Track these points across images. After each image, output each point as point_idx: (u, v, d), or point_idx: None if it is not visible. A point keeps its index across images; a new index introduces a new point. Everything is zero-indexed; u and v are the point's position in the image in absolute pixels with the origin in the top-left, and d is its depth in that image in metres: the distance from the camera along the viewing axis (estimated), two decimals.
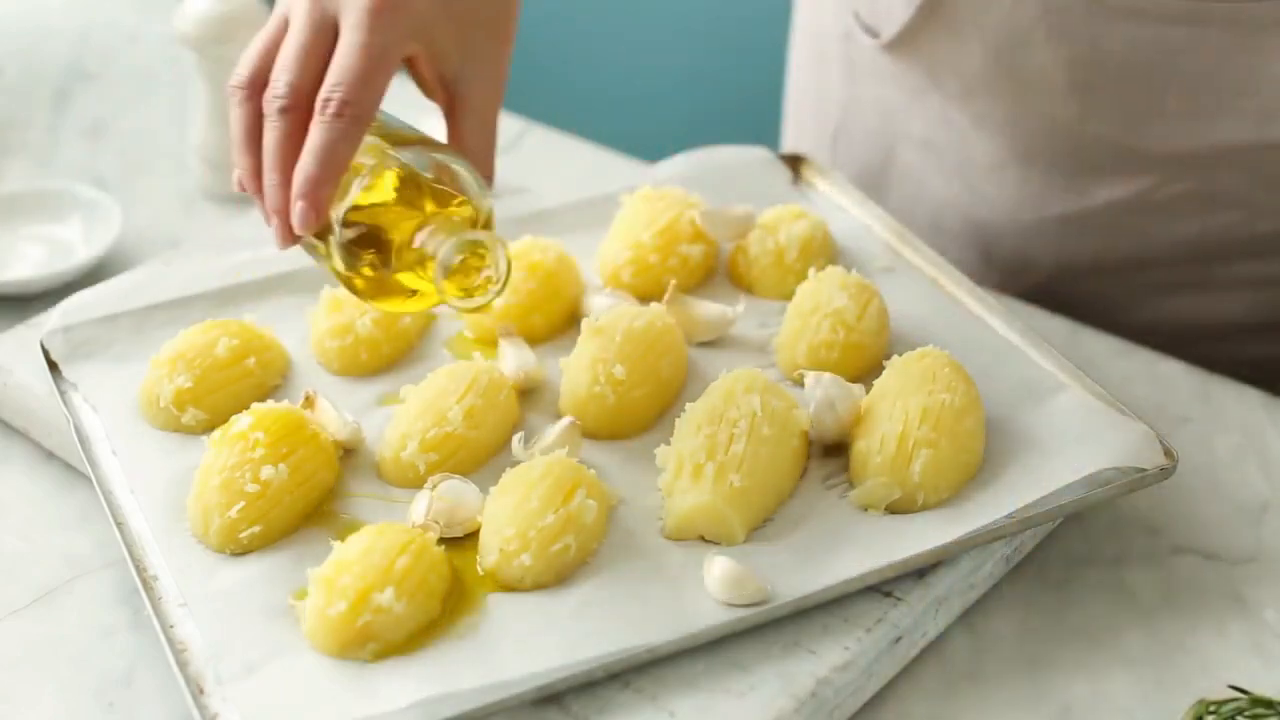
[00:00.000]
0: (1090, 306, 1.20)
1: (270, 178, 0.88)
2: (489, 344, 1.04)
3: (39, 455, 1.03)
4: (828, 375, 0.96)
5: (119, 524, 0.91)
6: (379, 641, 0.83)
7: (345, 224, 0.89)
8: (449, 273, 0.88)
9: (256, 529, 0.89)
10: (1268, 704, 0.83)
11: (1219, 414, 1.06)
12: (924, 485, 0.91)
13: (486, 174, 0.94)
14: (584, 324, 1.00)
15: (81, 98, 1.45)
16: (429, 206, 0.89)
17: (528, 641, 0.83)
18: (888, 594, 0.88)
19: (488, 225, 0.91)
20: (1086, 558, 0.96)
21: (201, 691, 0.82)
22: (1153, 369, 1.10)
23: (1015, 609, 0.93)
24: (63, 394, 1.00)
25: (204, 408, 0.98)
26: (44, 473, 1.02)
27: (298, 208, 0.86)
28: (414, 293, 0.91)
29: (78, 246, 1.22)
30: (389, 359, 1.03)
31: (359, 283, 0.91)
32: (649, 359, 0.98)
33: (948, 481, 0.91)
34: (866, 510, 0.91)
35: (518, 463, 0.93)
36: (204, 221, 1.29)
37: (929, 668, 0.89)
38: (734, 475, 0.89)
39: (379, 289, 0.91)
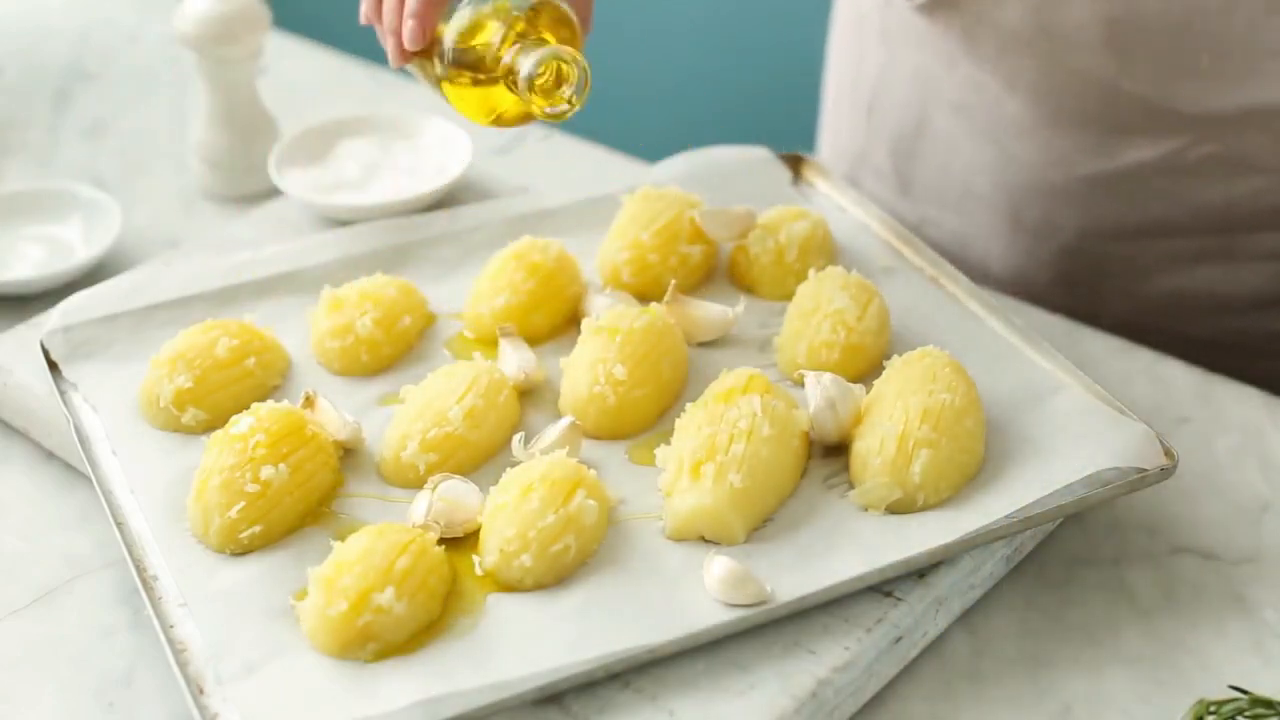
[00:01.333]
0: (1114, 272, 1.21)
1: (388, 4, 1.03)
2: (489, 344, 1.04)
3: (39, 455, 1.03)
4: (828, 375, 0.96)
5: (119, 524, 0.91)
6: (379, 641, 0.83)
7: (451, 46, 1.02)
8: (532, 84, 0.98)
9: (256, 529, 0.89)
10: (1268, 704, 0.83)
11: (1219, 414, 1.06)
12: (924, 485, 0.91)
13: (583, 17, 1.06)
14: (584, 324, 1.00)
15: (81, 98, 1.45)
16: (522, 29, 1.01)
17: (528, 642, 0.83)
18: (888, 594, 0.88)
19: (576, 47, 1.02)
20: (1086, 558, 0.96)
21: (201, 691, 0.82)
22: (1153, 369, 1.10)
23: (1015, 609, 0.93)
24: (63, 394, 1.00)
25: (204, 408, 0.98)
26: (44, 473, 1.02)
27: (408, 26, 1.01)
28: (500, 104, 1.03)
29: (78, 246, 1.22)
30: (389, 359, 1.03)
31: (457, 94, 1.03)
32: (649, 359, 0.98)
33: (948, 482, 0.91)
34: (867, 510, 0.91)
35: (518, 463, 0.93)
36: (204, 221, 1.29)
37: (929, 668, 0.89)
38: (734, 475, 0.89)
39: (475, 102, 1.03)
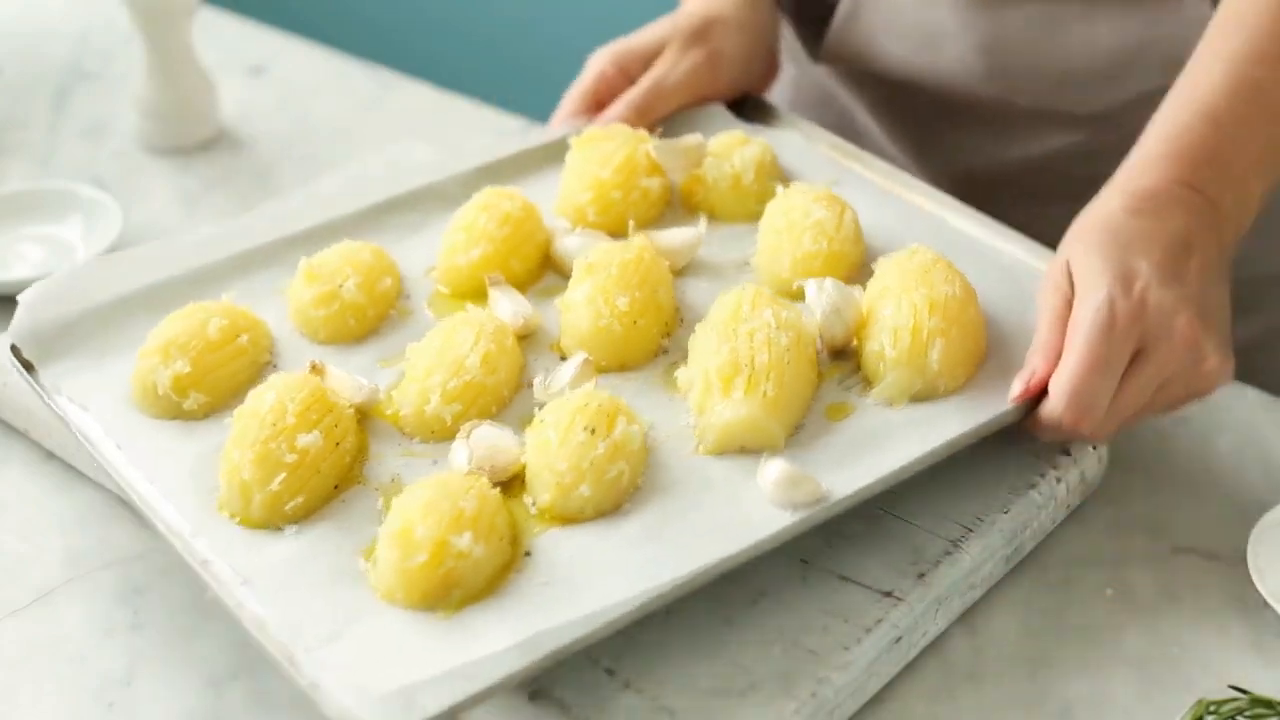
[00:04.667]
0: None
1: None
2: (469, 297, 1.04)
3: (39, 455, 1.03)
4: (829, 281, 0.98)
5: (149, 516, 0.89)
6: (461, 588, 0.83)
7: None
8: None
9: (299, 499, 0.88)
10: (1268, 704, 0.83)
11: (1219, 414, 1.06)
12: (943, 373, 0.93)
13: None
14: (576, 263, 1.01)
15: (81, 98, 1.45)
16: None
17: (606, 571, 0.83)
18: (888, 594, 0.88)
19: None
20: (1086, 558, 0.96)
21: (293, 662, 0.80)
22: None
23: (1015, 609, 0.93)
24: (47, 397, 0.98)
25: (204, 390, 0.96)
26: (44, 473, 1.02)
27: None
28: None
29: (78, 246, 1.22)
30: (374, 323, 1.03)
31: None
32: (646, 288, 0.99)
33: (963, 369, 0.94)
34: (890, 405, 0.93)
35: (540, 404, 0.93)
36: (204, 221, 1.29)
37: (929, 668, 0.89)
38: (765, 385, 0.91)
39: None
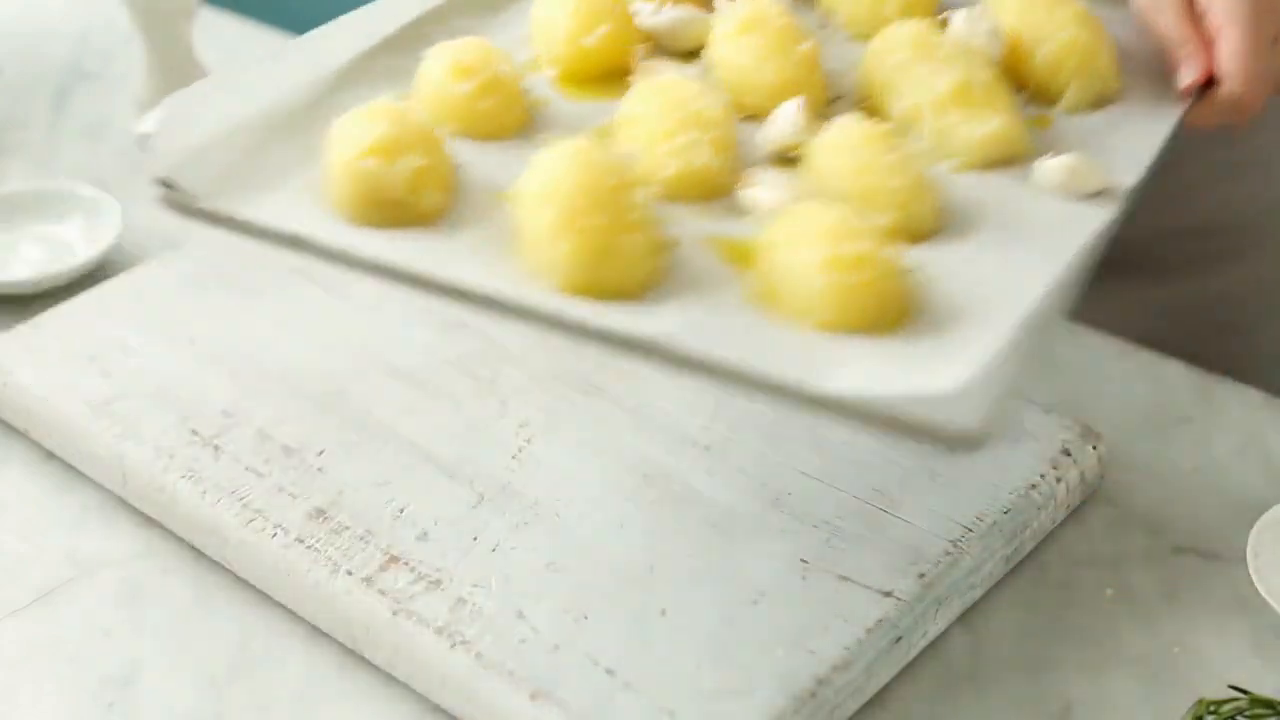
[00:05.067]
0: None
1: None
2: (591, 82, 0.97)
3: (39, 455, 1.03)
4: (978, 7, 0.98)
5: (512, 302, 0.78)
6: (895, 304, 0.79)
7: None
8: None
9: (652, 262, 0.81)
10: (1268, 704, 0.83)
11: (1219, 414, 1.06)
12: (1111, 78, 0.95)
13: None
14: (721, 25, 0.97)
15: (81, 98, 1.45)
16: None
17: (1002, 265, 0.82)
18: (888, 594, 0.88)
19: None
20: (1086, 558, 0.96)
21: (821, 389, 0.73)
22: (1153, 369, 1.10)
23: (1015, 609, 0.93)
24: (261, 224, 0.85)
25: (437, 186, 0.85)
26: (44, 473, 1.02)
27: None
28: None
29: (78, 246, 1.22)
30: (527, 114, 0.94)
31: None
32: (809, 39, 0.97)
33: (1119, 78, 0.96)
34: (1073, 113, 0.95)
35: (772, 153, 0.90)
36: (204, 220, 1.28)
37: (929, 668, 0.89)
38: (998, 98, 0.91)
39: None
